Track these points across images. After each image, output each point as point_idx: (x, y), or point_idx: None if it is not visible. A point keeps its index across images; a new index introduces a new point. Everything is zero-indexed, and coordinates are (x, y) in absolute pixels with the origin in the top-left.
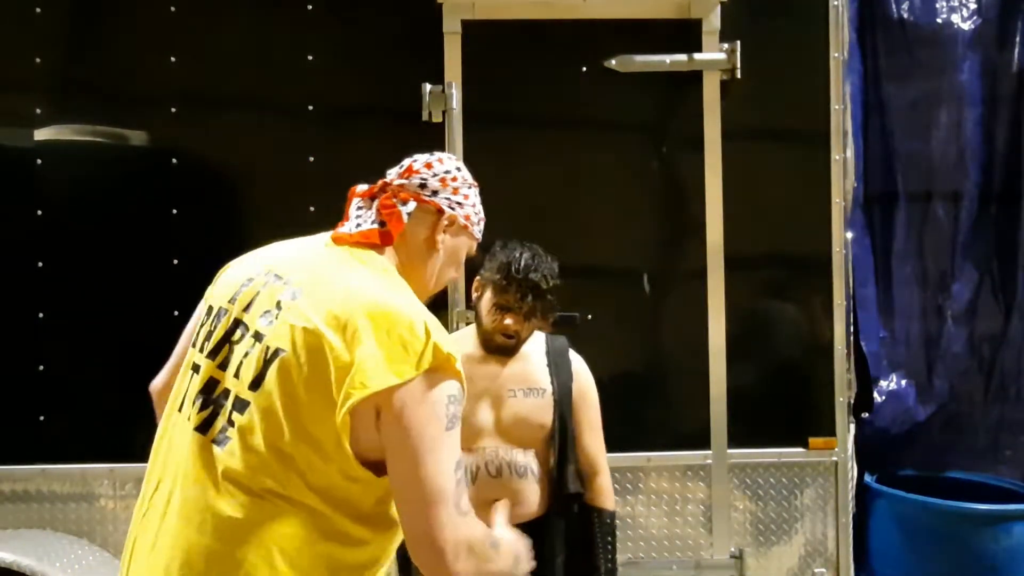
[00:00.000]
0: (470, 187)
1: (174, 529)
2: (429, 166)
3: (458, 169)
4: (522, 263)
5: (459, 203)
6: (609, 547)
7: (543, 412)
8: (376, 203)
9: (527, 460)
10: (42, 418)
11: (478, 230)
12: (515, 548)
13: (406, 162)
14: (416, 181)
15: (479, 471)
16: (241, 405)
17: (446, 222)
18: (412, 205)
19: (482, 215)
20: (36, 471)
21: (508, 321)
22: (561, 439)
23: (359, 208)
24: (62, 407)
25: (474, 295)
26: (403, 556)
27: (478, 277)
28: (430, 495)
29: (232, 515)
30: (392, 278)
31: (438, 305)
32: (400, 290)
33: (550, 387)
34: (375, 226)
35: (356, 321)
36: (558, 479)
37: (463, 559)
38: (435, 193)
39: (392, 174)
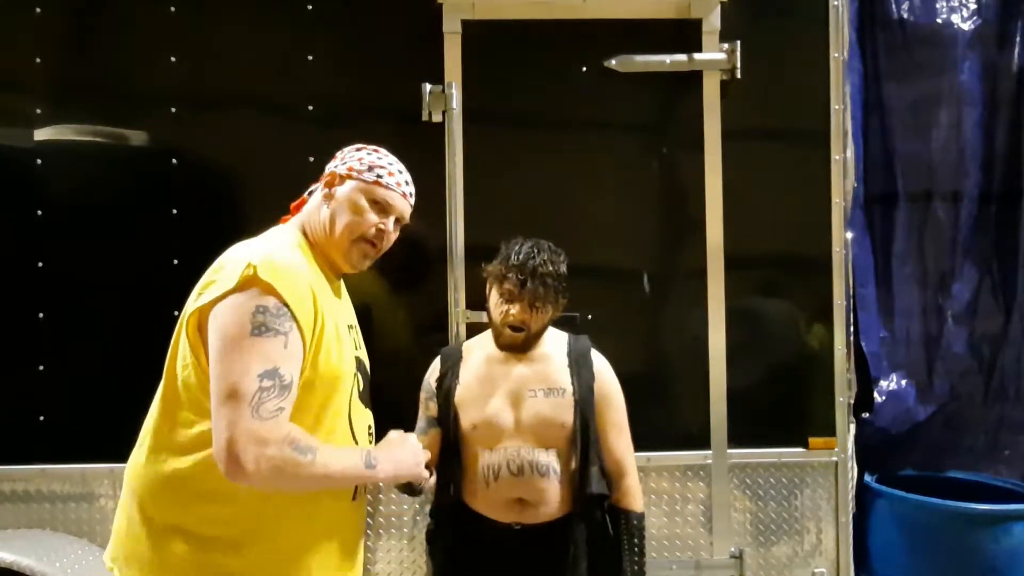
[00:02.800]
0: (357, 150)
1: None
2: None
3: (354, 147)
4: (522, 252)
5: (342, 162)
6: (637, 549)
7: (563, 412)
8: None
9: (549, 460)
10: (42, 418)
11: (370, 175)
12: (356, 456)
13: None
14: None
15: (501, 469)
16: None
17: (326, 179)
18: (313, 186)
19: (376, 163)
20: (36, 471)
21: (513, 311)
22: (583, 439)
23: None
24: (62, 407)
25: (487, 297)
26: (430, 535)
27: (484, 274)
28: (224, 392)
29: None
30: (268, 235)
31: (437, 305)
32: (259, 241)
33: (570, 387)
34: None
35: (203, 278)
36: (581, 480)
37: (252, 455)
38: (326, 171)
39: None
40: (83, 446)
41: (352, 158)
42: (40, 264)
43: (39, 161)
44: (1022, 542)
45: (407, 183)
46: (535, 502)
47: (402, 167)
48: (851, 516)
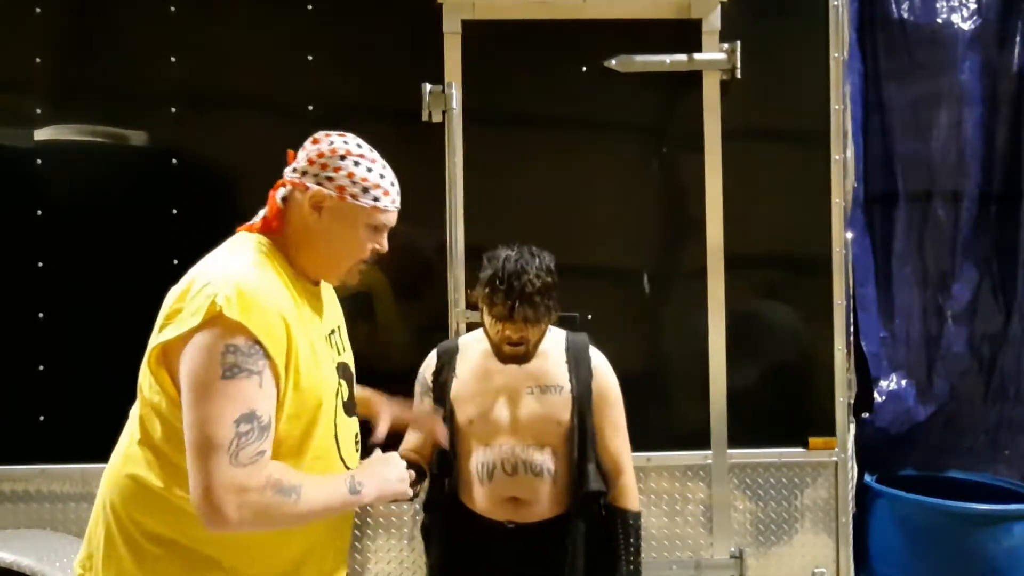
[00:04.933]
0: (343, 157)
1: None
2: (303, 148)
3: (331, 144)
4: (505, 271)
5: (328, 177)
6: (632, 548)
7: (560, 410)
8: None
9: (543, 459)
10: (42, 418)
11: (368, 198)
12: (341, 484)
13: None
14: (291, 167)
15: (495, 468)
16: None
17: (312, 199)
18: (286, 189)
19: (371, 181)
20: (36, 471)
21: (509, 331)
22: (580, 437)
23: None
24: (62, 407)
25: (480, 313)
26: (425, 529)
27: (471, 298)
28: (199, 442)
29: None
30: (235, 250)
31: (437, 305)
32: (224, 259)
33: (568, 384)
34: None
35: (168, 298)
36: (578, 477)
37: (234, 504)
38: (304, 174)
39: None
40: (83, 446)
41: (341, 175)
42: (40, 264)
43: (39, 161)
44: (1022, 542)
45: (397, 190)
46: (529, 501)
47: (387, 167)
48: (851, 516)
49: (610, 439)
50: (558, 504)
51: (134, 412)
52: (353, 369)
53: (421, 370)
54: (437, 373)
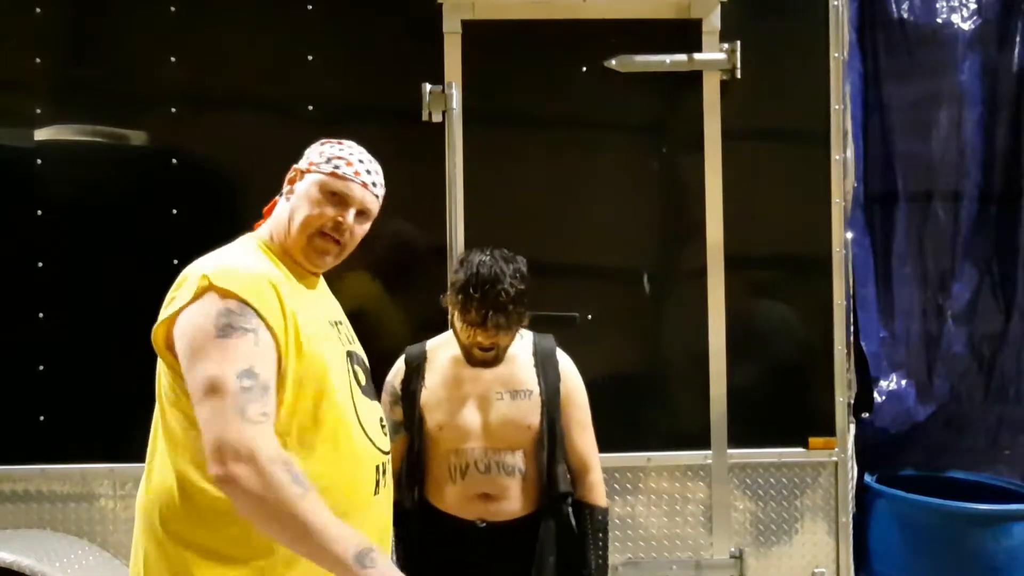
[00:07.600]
0: (321, 144)
1: None
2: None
3: (321, 142)
4: (480, 279)
5: (305, 158)
6: (601, 543)
7: (530, 414)
8: None
9: (515, 461)
10: (42, 418)
11: (328, 166)
12: (352, 538)
13: None
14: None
15: (468, 468)
16: None
17: (290, 175)
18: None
19: (335, 154)
20: (36, 471)
21: (479, 338)
22: (550, 439)
23: None
24: (62, 407)
25: (451, 316)
26: (397, 538)
27: (444, 296)
28: (203, 389)
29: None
30: (229, 246)
31: (437, 305)
32: (220, 252)
33: (537, 388)
34: None
35: (169, 293)
36: (548, 479)
37: (244, 463)
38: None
39: None
40: (83, 446)
41: (314, 152)
42: (40, 264)
43: (39, 161)
44: (1022, 542)
45: (369, 172)
46: (500, 498)
47: (366, 157)
48: (851, 516)
49: (577, 439)
50: (528, 503)
51: (157, 429)
52: (366, 360)
53: (389, 378)
54: (406, 381)
